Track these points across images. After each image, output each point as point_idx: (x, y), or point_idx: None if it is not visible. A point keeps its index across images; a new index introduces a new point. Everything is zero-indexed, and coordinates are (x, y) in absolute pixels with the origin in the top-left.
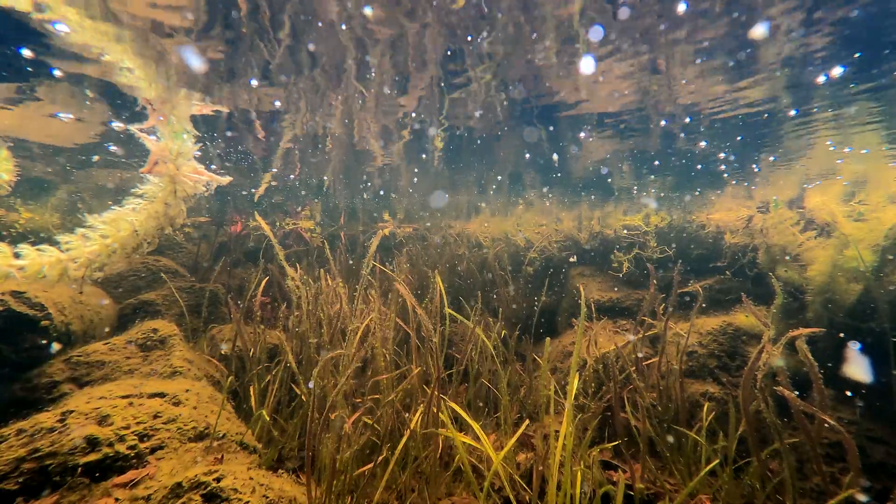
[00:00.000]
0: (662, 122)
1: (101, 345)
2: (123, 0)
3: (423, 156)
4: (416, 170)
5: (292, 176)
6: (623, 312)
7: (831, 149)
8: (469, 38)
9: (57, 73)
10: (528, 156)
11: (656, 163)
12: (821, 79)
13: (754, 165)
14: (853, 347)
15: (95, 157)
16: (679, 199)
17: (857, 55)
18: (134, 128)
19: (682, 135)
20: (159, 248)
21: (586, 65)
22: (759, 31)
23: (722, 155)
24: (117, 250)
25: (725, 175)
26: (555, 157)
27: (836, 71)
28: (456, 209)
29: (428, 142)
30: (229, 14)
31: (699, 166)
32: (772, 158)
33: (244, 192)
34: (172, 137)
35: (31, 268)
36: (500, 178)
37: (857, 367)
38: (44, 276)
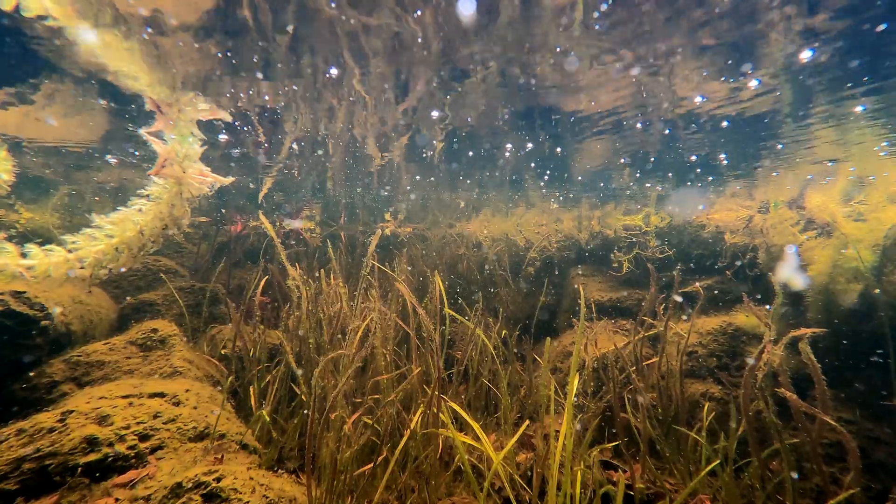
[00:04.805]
0: (661, 123)
1: (101, 345)
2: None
3: (424, 155)
4: (416, 170)
5: (290, 170)
6: (623, 312)
7: (880, 154)
8: (469, 39)
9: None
10: (527, 157)
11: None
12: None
13: (756, 167)
14: (790, 250)
15: (110, 157)
16: (679, 197)
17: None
18: (143, 130)
19: (684, 131)
20: (160, 248)
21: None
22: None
23: (722, 156)
24: (124, 251)
25: (711, 178)
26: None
27: (805, 55)
28: (457, 209)
29: (428, 142)
30: (231, 15)
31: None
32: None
33: (250, 187)
34: (179, 140)
35: (39, 268)
36: (500, 178)
37: (790, 271)
38: (50, 275)
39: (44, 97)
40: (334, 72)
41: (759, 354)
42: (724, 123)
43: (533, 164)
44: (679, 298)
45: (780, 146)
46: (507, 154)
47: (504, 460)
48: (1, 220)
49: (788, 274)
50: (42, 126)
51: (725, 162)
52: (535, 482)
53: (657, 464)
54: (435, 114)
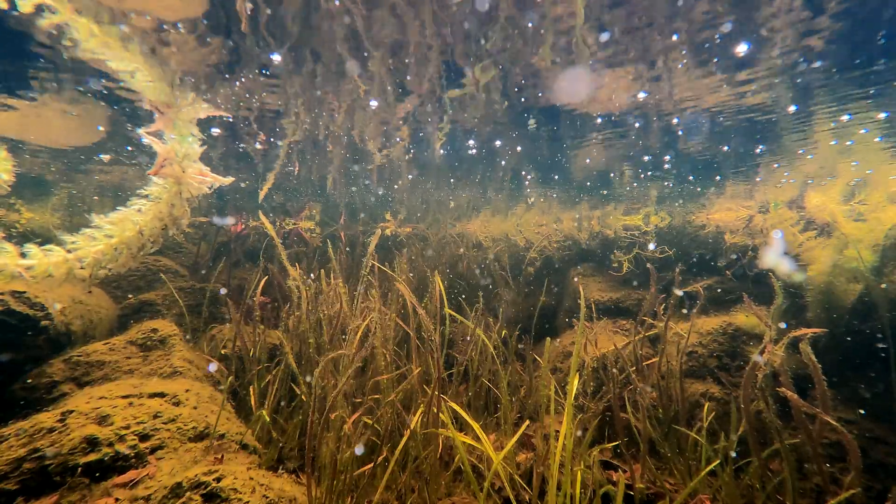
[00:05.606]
0: (662, 123)
1: (101, 345)
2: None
3: (424, 154)
4: (416, 169)
5: (292, 169)
6: (623, 312)
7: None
8: (469, 39)
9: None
10: (527, 154)
11: (666, 158)
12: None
13: (758, 168)
14: (776, 234)
15: (106, 157)
16: (679, 196)
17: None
18: (142, 130)
19: (681, 133)
20: (160, 248)
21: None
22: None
23: (726, 148)
24: (123, 251)
25: (713, 177)
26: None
27: (742, 47)
28: (457, 209)
29: (428, 141)
30: (230, 16)
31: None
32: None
33: (244, 186)
34: (179, 140)
35: (38, 268)
36: (500, 177)
37: (776, 257)
38: (50, 275)
39: (43, 97)
40: (334, 71)
41: (758, 354)
42: (674, 120)
43: (533, 164)
44: (679, 293)
45: (776, 147)
46: (506, 153)
47: (504, 460)
48: (1, 220)
49: (777, 260)
50: (42, 126)
51: (667, 166)
52: (535, 482)
53: (657, 464)
54: (434, 113)
